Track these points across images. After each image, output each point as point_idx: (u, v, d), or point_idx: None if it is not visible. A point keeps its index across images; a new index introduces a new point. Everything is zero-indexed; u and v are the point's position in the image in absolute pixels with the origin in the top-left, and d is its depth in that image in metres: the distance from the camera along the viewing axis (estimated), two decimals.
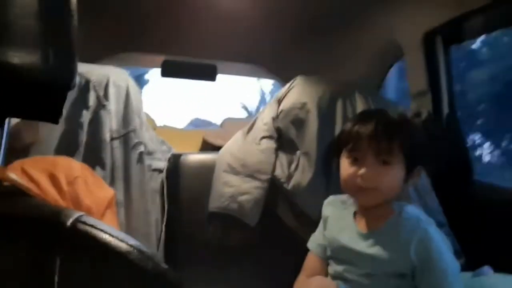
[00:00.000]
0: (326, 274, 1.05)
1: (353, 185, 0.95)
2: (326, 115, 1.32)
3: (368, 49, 1.77)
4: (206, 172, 1.30)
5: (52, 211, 0.36)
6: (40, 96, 0.40)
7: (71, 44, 0.41)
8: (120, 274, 0.34)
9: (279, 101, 1.38)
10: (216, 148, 1.75)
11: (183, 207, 1.27)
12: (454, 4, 1.29)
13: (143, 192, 1.22)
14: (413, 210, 1.00)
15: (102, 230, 0.35)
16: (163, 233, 1.22)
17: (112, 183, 1.19)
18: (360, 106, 1.35)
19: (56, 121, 0.44)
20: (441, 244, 0.93)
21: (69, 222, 0.34)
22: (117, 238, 0.35)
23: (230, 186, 1.23)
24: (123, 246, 0.35)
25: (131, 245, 0.35)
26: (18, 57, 0.36)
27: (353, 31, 1.76)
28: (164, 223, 1.24)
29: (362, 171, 0.93)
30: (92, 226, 0.35)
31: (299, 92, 1.36)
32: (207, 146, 2.04)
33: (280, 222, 1.25)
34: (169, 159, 1.34)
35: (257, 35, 2.03)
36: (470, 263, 1.09)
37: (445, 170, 1.40)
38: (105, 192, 1.05)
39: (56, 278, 0.31)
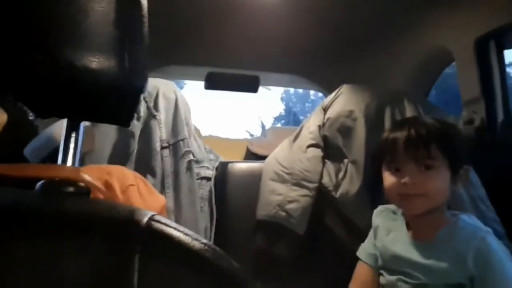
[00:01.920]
0: (377, 284, 1.02)
1: (397, 194, 0.94)
2: (374, 122, 1.30)
3: (415, 56, 1.73)
4: (253, 180, 1.31)
5: (127, 210, 0.37)
6: (115, 100, 0.42)
7: (143, 49, 0.43)
8: (196, 272, 0.34)
9: (325, 110, 1.37)
10: (260, 158, 1.76)
11: (231, 215, 1.29)
12: (509, 8, 1.24)
13: (193, 200, 1.24)
14: (469, 219, 0.97)
15: (175, 229, 0.36)
16: (212, 241, 1.24)
17: (162, 191, 1.22)
18: (409, 114, 1.32)
19: (128, 125, 0.46)
20: (502, 253, 0.89)
21: (144, 220, 0.35)
22: (191, 236, 0.36)
23: (277, 194, 1.23)
24: (197, 244, 0.36)
25: (204, 244, 0.36)
26: (96, 62, 0.39)
27: (399, 38, 1.73)
28: (213, 231, 1.25)
29: (405, 179, 0.91)
30: (165, 224, 0.36)
31: (345, 100, 1.35)
32: (251, 156, 2.05)
33: (328, 231, 1.24)
34: (216, 168, 1.36)
35: (299, 45, 2.04)
36: None
37: (501, 179, 1.34)
38: (157, 200, 1.08)
39: (136, 275, 0.32)
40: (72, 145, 0.45)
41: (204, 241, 0.36)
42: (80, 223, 0.36)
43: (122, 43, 0.40)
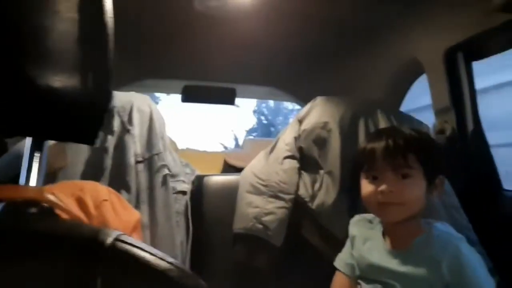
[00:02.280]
0: None
1: (375, 203, 0.95)
2: (348, 134, 1.32)
3: (388, 67, 1.77)
4: (230, 193, 1.31)
5: (91, 230, 0.36)
6: (79, 118, 0.41)
7: (108, 67, 0.42)
8: (155, 286, 0.34)
9: (300, 121, 1.38)
10: (237, 170, 1.75)
11: (207, 229, 1.27)
12: (476, 21, 1.28)
13: (168, 214, 1.22)
14: (443, 227, 0.98)
15: (141, 249, 0.35)
16: (188, 255, 1.22)
17: (137, 206, 1.19)
18: (382, 124, 1.34)
19: (93, 143, 0.45)
20: (474, 260, 0.91)
21: (108, 241, 0.34)
22: (156, 256, 0.35)
23: (254, 206, 1.23)
24: (162, 263, 0.35)
25: (170, 263, 0.35)
26: (59, 81, 0.38)
27: (372, 50, 1.77)
28: (189, 245, 1.23)
29: (382, 187, 0.93)
30: (131, 244, 0.35)
31: (320, 112, 1.36)
32: (228, 168, 2.04)
33: (305, 242, 1.24)
34: (193, 181, 1.34)
35: (274, 58, 2.06)
36: (504, 281, 1.05)
37: (473, 187, 1.37)
38: (131, 215, 1.06)
39: None
40: (36, 165, 0.44)
41: (171, 260, 0.36)
42: (42, 244, 0.35)
43: (85, 62, 0.40)
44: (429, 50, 1.50)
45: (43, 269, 0.33)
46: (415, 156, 0.93)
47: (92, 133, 0.44)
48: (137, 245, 0.36)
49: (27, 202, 0.41)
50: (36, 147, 0.44)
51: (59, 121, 0.41)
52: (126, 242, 0.35)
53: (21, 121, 0.41)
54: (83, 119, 0.42)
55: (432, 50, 1.48)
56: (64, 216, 0.47)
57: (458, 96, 1.45)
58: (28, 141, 0.44)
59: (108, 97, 0.43)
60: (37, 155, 0.44)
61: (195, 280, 0.36)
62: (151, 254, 0.35)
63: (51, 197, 0.42)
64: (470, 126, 1.44)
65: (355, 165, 1.07)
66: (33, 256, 0.34)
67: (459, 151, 1.42)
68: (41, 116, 0.40)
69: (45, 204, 0.41)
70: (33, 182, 0.44)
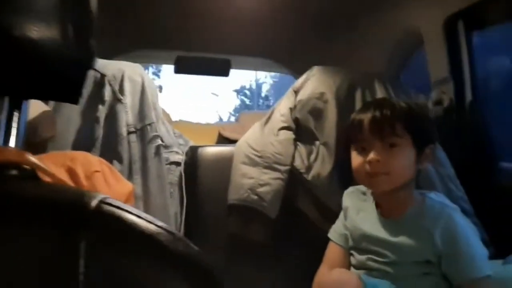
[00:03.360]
0: (348, 264, 1.03)
1: (363, 173, 0.95)
2: (345, 104, 1.29)
3: (386, 38, 1.73)
4: (224, 164, 1.29)
5: (75, 193, 0.34)
6: (59, 74, 0.38)
7: (91, 21, 0.39)
8: (150, 256, 0.32)
9: (296, 92, 1.35)
10: (232, 142, 1.73)
11: (201, 200, 1.26)
12: None
13: (162, 185, 1.21)
14: (436, 197, 0.98)
15: (128, 211, 0.33)
16: (182, 226, 1.21)
17: (130, 177, 1.18)
18: (379, 95, 1.32)
19: (76, 102, 0.42)
20: (467, 229, 0.91)
21: (93, 203, 0.32)
22: (145, 219, 0.33)
23: (249, 177, 1.21)
24: (151, 227, 0.33)
25: (160, 226, 0.33)
26: (37, 31, 0.35)
27: (370, 19, 1.72)
28: (183, 216, 1.22)
29: (369, 157, 0.92)
30: (117, 207, 0.33)
31: (316, 82, 1.33)
32: (223, 140, 2.02)
33: (300, 214, 1.23)
34: (186, 152, 1.32)
35: (269, 28, 2.01)
36: (499, 253, 1.06)
37: (469, 159, 1.36)
38: (124, 186, 1.04)
39: (81, 262, 0.29)
40: (15, 125, 0.41)
41: (160, 223, 0.34)
42: (24, 208, 0.33)
43: (65, 10, 0.36)
44: (428, 19, 1.46)
45: (24, 234, 0.31)
46: (402, 125, 0.92)
47: (75, 91, 0.41)
48: (124, 208, 0.34)
49: (7, 164, 0.38)
50: (15, 106, 0.41)
51: (37, 76, 0.38)
52: (112, 205, 0.33)
53: None
54: (64, 75, 0.39)
55: (431, 18, 1.44)
56: (47, 179, 0.45)
57: (457, 67, 1.42)
58: (6, 100, 0.41)
59: (90, 53, 0.40)
60: (16, 115, 0.41)
61: (186, 244, 0.34)
62: (139, 217, 0.33)
63: (33, 159, 0.39)
64: (468, 97, 1.42)
65: (346, 137, 1.05)
66: (13, 220, 0.32)
67: (456, 122, 1.40)
68: (17, 71, 0.37)
69: (26, 167, 0.39)
70: (12, 144, 0.41)
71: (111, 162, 1.14)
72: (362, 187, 1.07)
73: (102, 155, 1.14)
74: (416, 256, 0.90)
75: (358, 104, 1.30)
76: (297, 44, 2.16)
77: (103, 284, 0.30)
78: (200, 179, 1.29)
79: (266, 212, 1.18)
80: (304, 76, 1.38)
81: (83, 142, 1.17)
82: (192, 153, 1.32)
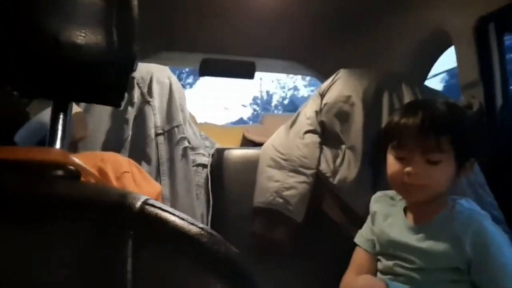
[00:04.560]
0: (374, 269, 1.02)
1: (399, 182, 0.92)
2: (371, 108, 1.28)
3: (413, 39, 1.70)
4: (250, 167, 1.29)
5: (119, 194, 0.35)
6: (104, 78, 0.40)
7: (133, 25, 0.40)
8: (192, 258, 0.33)
9: (322, 95, 1.35)
10: (256, 145, 1.74)
11: (227, 202, 1.27)
12: None
13: (188, 187, 1.22)
14: (467, 203, 0.96)
15: (170, 213, 0.34)
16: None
17: (157, 178, 1.20)
18: (407, 98, 1.30)
19: (119, 105, 0.44)
20: (499, 237, 0.88)
21: (137, 205, 0.33)
22: (187, 221, 0.34)
23: (274, 181, 1.22)
24: (194, 228, 0.34)
25: (201, 228, 0.34)
26: (83, 37, 0.36)
27: (397, 20, 1.70)
28: (210, 218, 1.23)
29: (408, 169, 0.90)
30: (160, 208, 0.34)
31: (343, 85, 1.33)
32: (247, 143, 2.03)
33: (326, 217, 1.23)
34: (212, 155, 1.34)
35: (294, 31, 2.01)
36: None
37: (500, 165, 1.33)
38: (152, 187, 1.06)
39: (129, 261, 0.30)
40: (60, 127, 0.42)
41: (201, 225, 0.34)
42: (69, 207, 0.34)
43: (109, 16, 0.37)
44: (458, 20, 1.44)
45: (70, 233, 0.32)
46: (449, 139, 0.88)
47: (118, 95, 0.42)
48: (166, 209, 0.34)
49: (53, 164, 0.39)
50: (60, 109, 0.43)
51: (82, 80, 0.39)
52: (154, 206, 0.34)
53: (42, 81, 0.39)
54: (108, 79, 0.40)
55: (461, 20, 1.42)
56: (89, 180, 0.46)
57: (488, 70, 1.39)
58: (51, 103, 0.43)
59: (133, 57, 0.41)
60: (61, 117, 0.43)
61: (226, 247, 0.34)
62: (181, 218, 0.34)
63: (77, 160, 0.40)
64: (499, 101, 1.39)
65: (381, 138, 1.03)
66: (59, 220, 0.33)
67: (486, 127, 1.37)
68: (63, 75, 0.38)
69: (71, 167, 0.40)
70: (57, 146, 0.42)
71: (139, 163, 1.16)
72: (390, 192, 1.05)
73: (131, 156, 1.16)
74: (444, 262, 0.88)
75: (385, 108, 1.29)
76: (323, 47, 2.15)
77: (149, 284, 0.30)
78: (226, 181, 1.30)
79: (292, 215, 1.18)
80: (330, 79, 1.37)
81: (113, 143, 1.19)
82: (218, 155, 1.33)
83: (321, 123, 1.30)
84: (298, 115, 1.36)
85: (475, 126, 1.05)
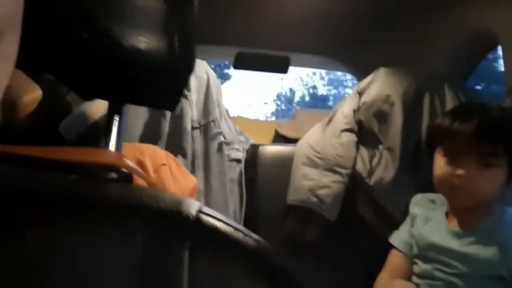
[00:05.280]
0: (409, 272, 1.00)
1: (448, 185, 0.90)
2: (412, 109, 1.25)
3: (456, 38, 1.64)
4: (284, 164, 1.29)
5: (174, 201, 0.34)
6: (163, 83, 0.40)
7: (192, 30, 0.40)
8: (249, 271, 0.32)
9: (361, 93, 1.32)
10: (288, 140, 1.72)
11: (261, 198, 1.27)
12: None
13: (223, 182, 1.23)
14: None
15: (225, 223, 0.34)
16: (241, 224, 1.22)
17: (192, 172, 1.20)
18: (449, 101, 1.26)
19: (174, 108, 0.44)
20: None
21: (193, 213, 0.33)
22: (242, 232, 0.34)
23: (309, 179, 1.21)
24: (250, 241, 0.33)
25: (257, 240, 0.33)
26: (145, 42, 0.36)
27: (439, 19, 1.64)
28: (243, 215, 1.24)
29: (460, 171, 0.87)
30: (215, 218, 0.34)
31: (382, 84, 1.30)
32: (279, 138, 2.01)
33: (360, 218, 1.21)
34: (247, 150, 1.34)
35: (330, 26, 1.97)
36: None
37: None
38: (189, 180, 1.06)
39: (185, 272, 0.30)
40: (115, 129, 0.43)
41: (256, 237, 0.34)
42: (123, 212, 0.33)
43: (171, 20, 0.37)
44: (506, 19, 1.37)
45: (124, 238, 0.31)
46: (505, 146, 0.86)
47: (175, 98, 0.42)
48: (220, 218, 0.34)
49: (107, 167, 0.40)
50: (115, 110, 0.43)
51: (142, 84, 0.40)
52: (210, 215, 0.34)
53: (102, 84, 0.40)
54: (167, 84, 0.40)
55: (509, 19, 1.35)
56: (142, 183, 0.47)
57: None
58: (105, 103, 0.43)
59: (192, 60, 0.40)
60: (116, 119, 0.43)
61: (280, 259, 0.34)
62: (236, 229, 0.33)
63: (131, 163, 0.40)
64: None
65: (428, 140, 1.01)
66: (113, 224, 0.32)
67: None
68: (123, 80, 0.38)
69: (125, 170, 0.40)
70: (111, 148, 0.43)
71: (175, 156, 1.17)
72: (431, 195, 1.03)
73: (167, 149, 1.16)
74: (488, 269, 0.86)
75: (426, 109, 1.25)
76: (359, 44, 2.10)
77: None
78: (260, 177, 1.30)
79: (326, 215, 1.17)
80: (369, 77, 1.35)
81: (149, 136, 1.21)
82: (253, 151, 1.33)
83: (359, 122, 1.28)
84: (335, 113, 1.34)
85: None
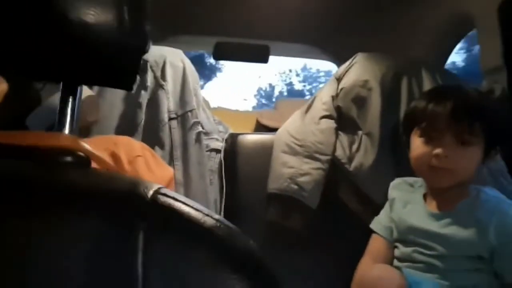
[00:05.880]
0: (391, 257, 1.00)
1: (426, 165, 0.90)
2: (390, 93, 1.25)
3: (433, 22, 1.64)
4: (264, 153, 1.28)
5: (130, 182, 0.33)
6: (115, 60, 0.38)
7: (145, 4, 0.38)
8: (207, 251, 0.31)
9: (339, 79, 1.31)
10: (270, 130, 1.72)
11: (241, 188, 1.26)
12: None
13: (202, 172, 1.21)
14: (492, 192, 0.94)
15: (184, 203, 0.32)
16: (222, 214, 1.21)
17: (170, 163, 1.19)
18: (427, 84, 1.26)
19: (131, 88, 0.42)
20: None
21: (149, 194, 0.31)
22: (202, 212, 0.32)
23: (289, 167, 1.20)
24: (209, 220, 0.32)
25: (217, 220, 0.32)
26: (93, 15, 0.34)
27: (416, 3, 1.65)
28: (223, 204, 1.22)
29: (437, 150, 0.88)
30: (173, 198, 0.32)
31: (360, 70, 1.29)
32: (261, 128, 2.01)
33: (341, 204, 1.21)
34: (226, 140, 1.32)
35: (310, 13, 1.96)
36: None
37: None
38: (165, 171, 1.05)
39: (140, 255, 0.28)
40: (69, 111, 0.41)
41: (217, 217, 0.33)
42: (78, 195, 0.32)
43: None
44: (482, 2, 1.38)
45: (78, 222, 0.30)
46: (482, 125, 0.87)
47: (130, 78, 0.40)
48: (179, 199, 0.33)
49: (62, 150, 0.38)
50: (69, 92, 0.41)
51: (93, 62, 0.38)
52: (168, 196, 0.32)
53: (50, 63, 0.38)
54: (119, 61, 0.38)
55: (485, 1, 1.36)
56: (100, 167, 0.45)
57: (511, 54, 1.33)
58: (60, 86, 0.41)
59: (145, 39, 0.39)
60: (70, 101, 0.41)
61: (243, 239, 0.33)
62: (195, 209, 0.32)
63: (87, 146, 0.39)
64: None
65: (405, 123, 1.01)
66: (67, 208, 0.31)
67: (508, 113, 1.32)
68: (72, 57, 0.36)
69: (81, 154, 0.38)
70: (66, 131, 0.41)
71: (152, 148, 1.15)
72: (409, 179, 1.03)
73: (144, 140, 1.14)
74: (467, 250, 0.86)
75: (404, 93, 1.25)
76: (339, 30, 2.10)
77: (160, 278, 0.29)
78: (240, 166, 1.28)
79: (307, 202, 1.17)
80: (347, 63, 1.34)
81: (126, 127, 1.19)
82: (232, 141, 1.32)
83: (337, 108, 1.27)
84: (313, 100, 1.33)
85: (504, 112, 1.04)
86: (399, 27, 1.83)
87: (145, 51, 0.39)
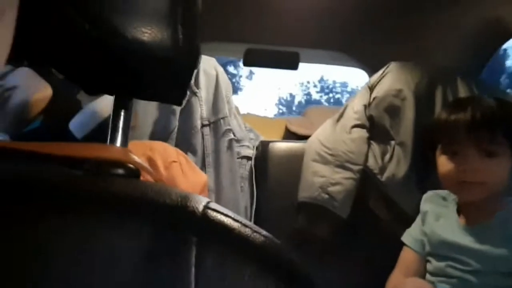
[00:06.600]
0: (422, 271, 0.99)
1: (454, 181, 0.89)
2: (424, 103, 1.23)
3: (469, 30, 1.61)
4: (295, 161, 1.28)
5: (180, 195, 0.34)
6: (168, 76, 0.39)
7: (196, 22, 0.39)
8: (257, 268, 0.31)
9: (371, 88, 1.30)
10: (299, 137, 1.71)
11: (271, 195, 1.26)
12: None
13: (233, 179, 1.22)
14: None
15: (233, 219, 0.33)
16: (252, 220, 1.22)
17: (203, 169, 1.21)
18: (462, 94, 1.24)
19: (180, 103, 0.43)
20: None
21: (200, 209, 0.32)
22: (251, 228, 0.33)
23: (320, 176, 1.19)
24: (258, 237, 0.32)
25: (265, 236, 0.33)
26: (148, 34, 0.35)
27: (451, 9, 1.61)
28: (253, 211, 1.23)
29: (464, 166, 0.86)
30: (223, 213, 0.33)
31: (393, 79, 1.28)
32: (290, 135, 2.00)
33: (372, 215, 1.20)
34: (257, 147, 1.33)
35: (340, 20, 1.95)
36: None
37: None
38: (199, 177, 1.07)
39: (193, 271, 0.29)
40: (121, 124, 0.42)
41: (264, 233, 0.33)
42: (129, 207, 0.33)
43: (175, 12, 0.37)
44: None
45: (129, 234, 0.31)
46: (503, 132, 0.84)
47: (180, 93, 0.42)
48: (228, 214, 0.33)
49: (113, 162, 0.39)
50: (121, 105, 0.43)
51: (146, 78, 0.39)
52: (217, 211, 0.33)
53: (105, 78, 0.39)
54: (172, 77, 0.39)
55: None
56: (149, 179, 0.46)
57: None
58: (111, 98, 0.42)
59: (197, 54, 0.40)
60: (122, 114, 0.42)
61: (290, 255, 0.33)
62: (244, 225, 0.33)
63: (137, 159, 0.40)
64: None
65: (429, 138, 1.00)
66: (118, 219, 0.32)
67: None
68: (127, 73, 0.38)
69: (131, 166, 0.40)
70: (118, 143, 0.42)
71: (185, 154, 1.17)
72: (442, 192, 1.01)
73: (177, 146, 1.17)
74: (502, 266, 0.84)
75: (439, 103, 1.23)
76: (370, 38, 2.07)
77: None
78: (271, 174, 1.29)
79: (337, 212, 1.16)
80: (380, 72, 1.33)
81: (160, 134, 1.21)
82: (263, 148, 1.33)
83: (370, 118, 1.26)
84: (345, 109, 1.32)
85: None
86: (432, 33, 1.80)
87: (195, 67, 0.40)
